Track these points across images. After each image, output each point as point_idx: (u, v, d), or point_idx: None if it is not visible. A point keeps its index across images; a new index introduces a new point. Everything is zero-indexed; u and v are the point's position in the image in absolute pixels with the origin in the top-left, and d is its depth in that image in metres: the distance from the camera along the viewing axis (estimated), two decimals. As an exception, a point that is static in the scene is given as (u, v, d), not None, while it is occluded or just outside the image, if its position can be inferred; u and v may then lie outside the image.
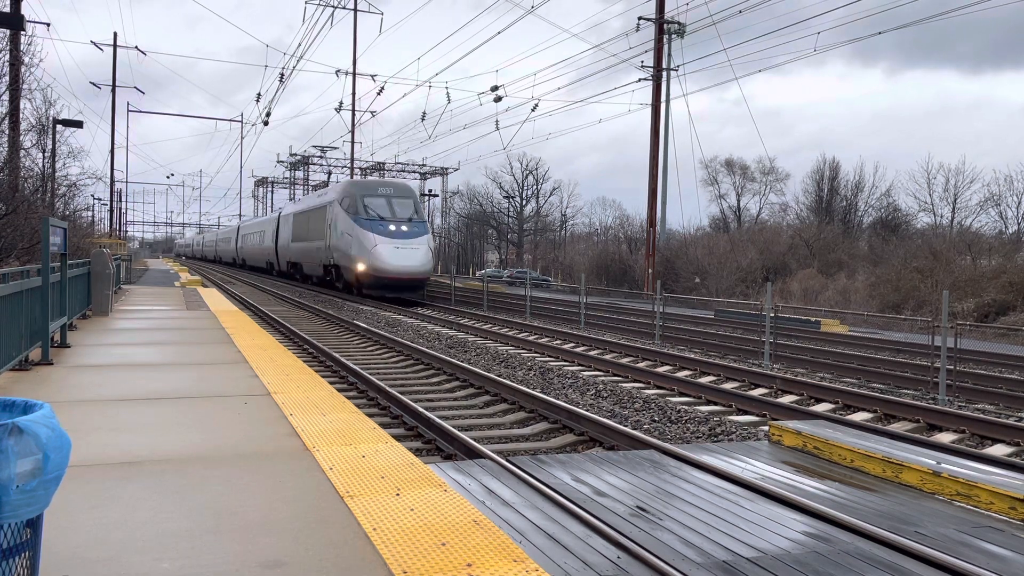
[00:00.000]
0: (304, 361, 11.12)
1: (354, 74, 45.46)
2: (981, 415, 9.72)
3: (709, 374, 12.98)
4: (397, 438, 7.39)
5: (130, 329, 11.50)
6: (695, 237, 47.73)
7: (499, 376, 12.01)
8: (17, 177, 19.05)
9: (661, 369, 13.43)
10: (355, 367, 11.70)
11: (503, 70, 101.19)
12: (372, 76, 45.70)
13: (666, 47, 32.81)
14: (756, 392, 11.38)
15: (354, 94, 46.23)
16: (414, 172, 68.53)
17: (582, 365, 13.76)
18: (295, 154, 74.23)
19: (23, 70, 19.50)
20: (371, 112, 49.81)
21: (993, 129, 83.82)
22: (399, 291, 28.35)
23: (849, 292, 32.09)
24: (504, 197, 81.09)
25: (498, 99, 34.11)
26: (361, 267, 27.79)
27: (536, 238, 78.96)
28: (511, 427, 8.99)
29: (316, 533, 3.21)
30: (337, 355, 13.09)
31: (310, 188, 75.82)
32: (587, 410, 9.45)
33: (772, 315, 14.82)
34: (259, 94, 57.51)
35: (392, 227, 28.41)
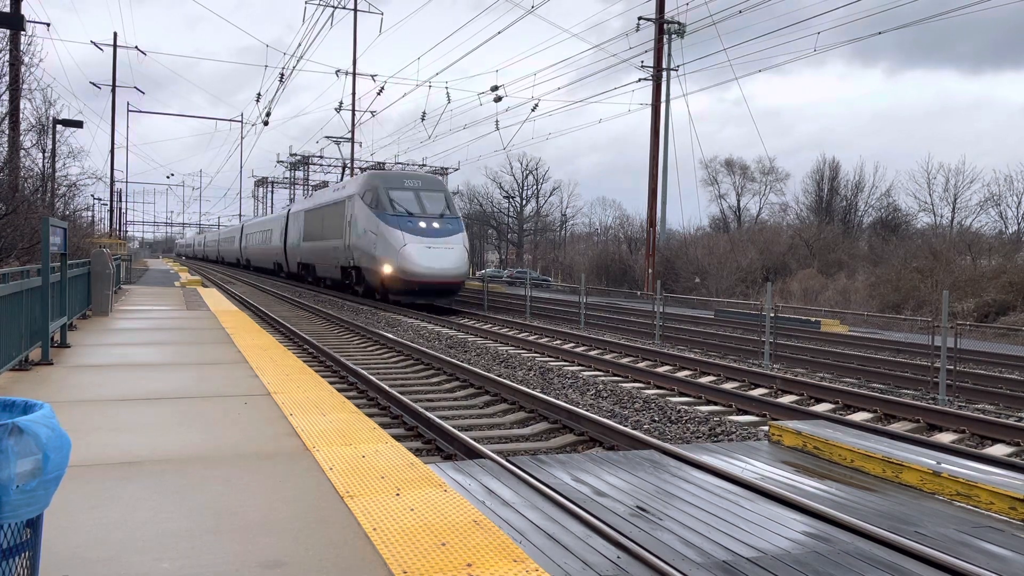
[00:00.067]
0: (304, 361, 11.13)
1: (354, 74, 45.49)
2: (981, 415, 9.72)
3: (709, 374, 12.98)
4: (397, 438, 7.39)
5: (130, 329, 11.50)
6: (695, 237, 47.74)
7: (499, 376, 12.01)
8: (17, 177, 19.05)
9: (661, 369, 13.43)
10: (355, 367, 11.70)
11: (503, 70, 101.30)
12: (372, 76, 45.73)
13: (666, 47, 32.81)
14: (756, 392, 11.38)
15: (354, 94, 46.26)
16: (414, 172, 68.51)
17: (582, 365, 13.75)
18: (295, 154, 74.23)
19: (23, 70, 19.51)
20: (371, 112, 49.83)
21: (993, 129, 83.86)
22: (431, 297, 25.27)
23: (849, 292, 32.09)
24: (504, 197, 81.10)
25: (498, 99, 34.10)
26: (387, 270, 24.66)
27: (536, 238, 78.96)
28: (511, 427, 8.99)
29: (316, 533, 3.21)
30: (337, 355, 13.10)
31: (310, 188, 75.80)
32: (587, 410, 9.45)
33: (772, 315, 14.82)
34: (259, 94, 57.53)
35: (422, 224, 25.18)
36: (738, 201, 61.46)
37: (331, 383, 9.12)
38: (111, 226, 48.86)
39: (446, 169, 69.86)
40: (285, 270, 42.89)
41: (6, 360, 6.63)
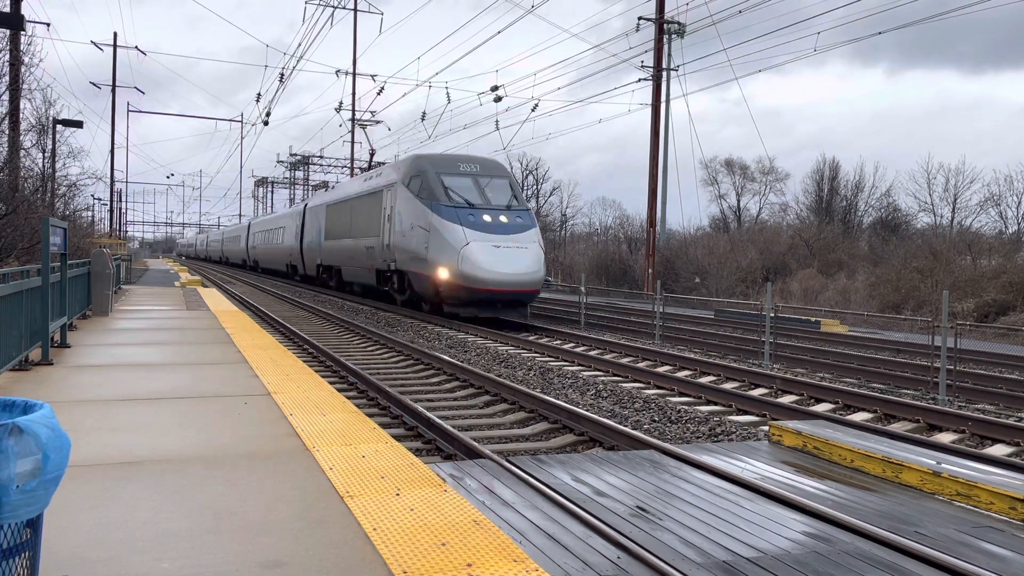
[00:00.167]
0: (304, 361, 11.13)
1: (354, 74, 45.51)
2: (981, 415, 9.72)
3: (709, 374, 12.98)
4: (397, 438, 7.39)
5: (130, 329, 11.50)
6: (695, 237, 47.73)
7: (499, 376, 12.01)
8: (17, 177, 19.07)
9: (661, 369, 13.43)
10: (355, 367, 11.70)
11: (503, 70, 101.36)
12: (372, 76, 45.74)
13: (666, 47, 32.81)
14: (756, 392, 11.38)
15: (354, 94, 46.27)
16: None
17: (582, 365, 13.75)
18: (295, 154, 74.27)
19: (23, 70, 19.53)
20: (371, 112, 49.81)
21: (993, 129, 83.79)
22: (498, 310, 20.36)
23: (849, 292, 32.09)
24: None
25: (498, 99, 34.09)
26: (442, 275, 19.76)
27: (536, 238, 78.79)
28: (511, 427, 8.99)
29: (316, 533, 3.21)
30: (337, 355, 13.10)
31: (310, 188, 75.79)
32: (587, 410, 9.45)
33: (772, 315, 14.82)
34: (259, 94, 57.55)
35: (486, 217, 20.35)
36: (738, 201, 61.47)
37: (331, 383, 9.12)
38: (111, 226, 48.88)
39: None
40: (301, 272, 38.19)
41: (6, 360, 6.63)
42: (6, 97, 19.26)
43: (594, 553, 4.03)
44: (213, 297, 19.72)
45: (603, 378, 12.16)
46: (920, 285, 29.09)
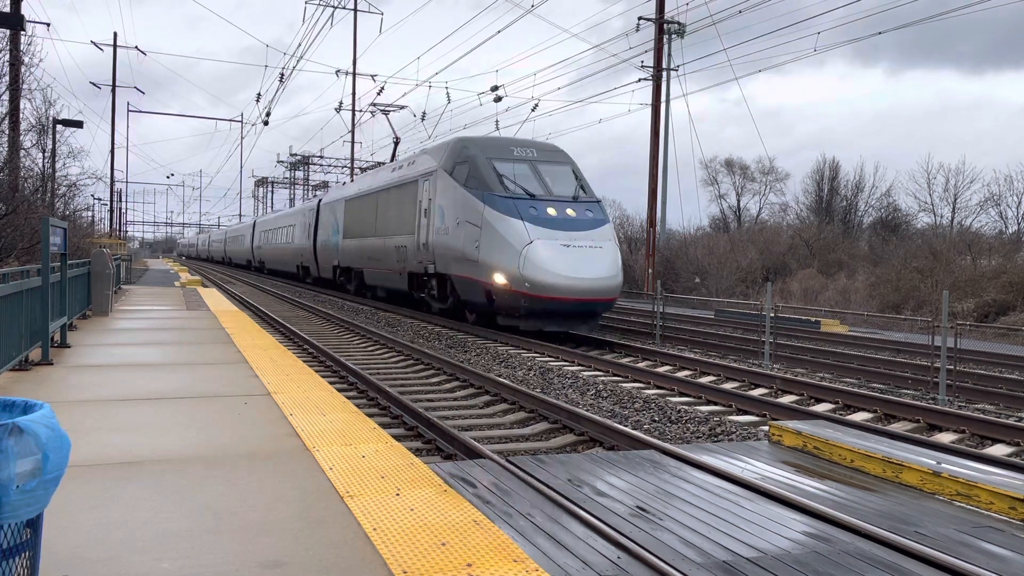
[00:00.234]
0: (304, 361, 11.13)
1: (354, 74, 45.51)
2: (981, 415, 9.72)
3: (709, 374, 12.98)
4: (397, 438, 7.39)
5: (130, 329, 11.50)
6: (695, 237, 47.71)
7: (499, 376, 12.01)
8: (17, 177, 19.07)
9: (661, 369, 13.43)
10: (355, 367, 11.70)
11: (503, 70, 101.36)
12: (372, 76, 45.81)
13: (666, 47, 32.81)
14: (756, 392, 11.38)
15: (354, 94, 46.27)
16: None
17: (582, 365, 13.75)
18: (295, 154, 74.27)
19: (23, 70, 19.54)
20: (371, 112, 49.80)
21: (993, 129, 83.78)
22: (569, 322, 16.91)
23: (849, 292, 32.10)
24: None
25: (498, 99, 34.10)
26: (500, 279, 16.34)
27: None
28: (511, 427, 8.99)
29: (316, 533, 3.21)
30: (337, 355, 13.10)
31: (310, 188, 75.82)
32: (587, 410, 9.46)
33: (772, 315, 14.82)
34: (259, 94, 57.56)
35: (551, 210, 16.95)
36: (738, 201, 61.43)
37: (331, 383, 9.12)
38: (111, 226, 48.89)
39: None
40: (314, 274, 35.00)
41: (6, 360, 6.63)
42: (6, 97, 19.28)
43: (594, 553, 4.03)
44: (213, 297, 19.73)
45: (603, 378, 12.16)
46: (920, 285, 29.09)
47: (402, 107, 35.02)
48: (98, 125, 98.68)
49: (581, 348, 16.05)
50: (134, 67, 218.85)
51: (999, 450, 8.28)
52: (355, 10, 44.88)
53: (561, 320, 16.70)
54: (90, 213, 43.98)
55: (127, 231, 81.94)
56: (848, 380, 12.90)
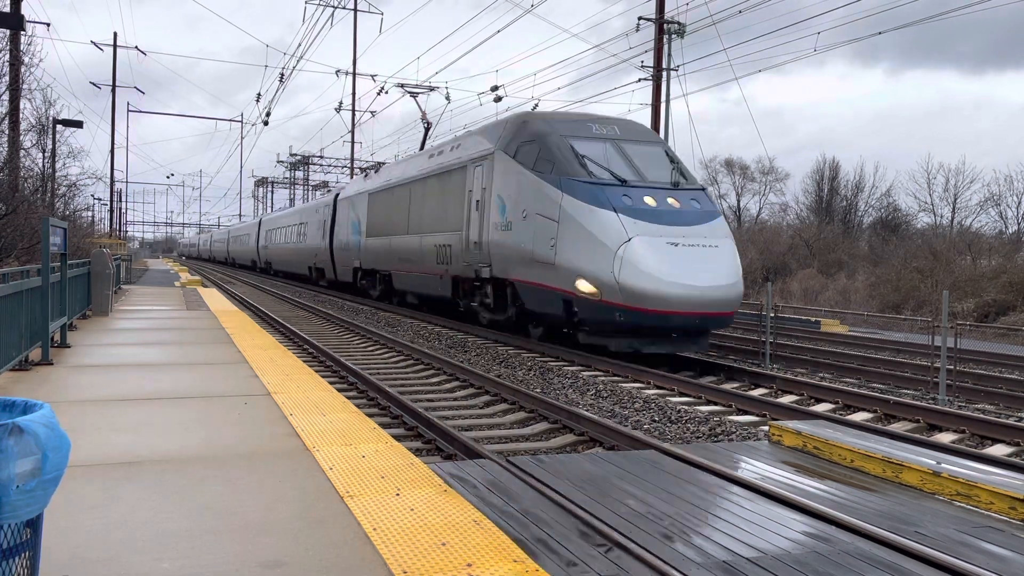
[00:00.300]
0: (304, 361, 11.13)
1: (354, 74, 45.50)
2: (981, 415, 9.72)
3: (709, 374, 12.97)
4: (397, 438, 7.39)
5: (130, 329, 11.50)
6: (695, 237, 47.63)
7: (499, 376, 12.01)
8: (17, 177, 19.08)
9: (660, 369, 13.41)
10: (355, 367, 11.70)
11: (503, 70, 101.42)
12: (372, 76, 45.82)
13: (666, 47, 32.82)
14: (756, 392, 11.38)
15: (354, 94, 46.24)
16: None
17: (582, 365, 13.74)
18: (295, 154, 74.25)
19: (23, 70, 19.54)
20: (371, 112, 49.81)
21: (993, 129, 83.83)
22: (675, 341, 13.36)
23: (849, 292, 32.11)
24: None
25: (498, 99, 34.10)
26: (585, 286, 12.96)
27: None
28: (511, 427, 8.99)
29: (316, 533, 3.21)
30: (337, 355, 13.10)
31: (310, 188, 75.78)
32: (587, 410, 9.46)
33: (772, 315, 14.81)
34: (259, 94, 57.58)
35: (649, 200, 13.40)
36: (738, 201, 61.48)
37: (331, 383, 9.12)
38: (111, 226, 48.89)
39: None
40: (330, 277, 31.36)
41: (6, 360, 6.63)
42: (6, 97, 19.29)
43: (594, 553, 4.03)
44: (213, 297, 19.73)
45: (603, 378, 12.15)
46: (920, 285, 29.10)
47: (432, 88, 30.88)
48: (98, 125, 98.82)
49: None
50: (134, 67, 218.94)
51: (999, 450, 8.28)
52: (355, 10, 44.89)
53: (666, 340, 13.25)
54: (90, 213, 44.04)
55: (127, 231, 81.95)
56: (848, 380, 12.90)
